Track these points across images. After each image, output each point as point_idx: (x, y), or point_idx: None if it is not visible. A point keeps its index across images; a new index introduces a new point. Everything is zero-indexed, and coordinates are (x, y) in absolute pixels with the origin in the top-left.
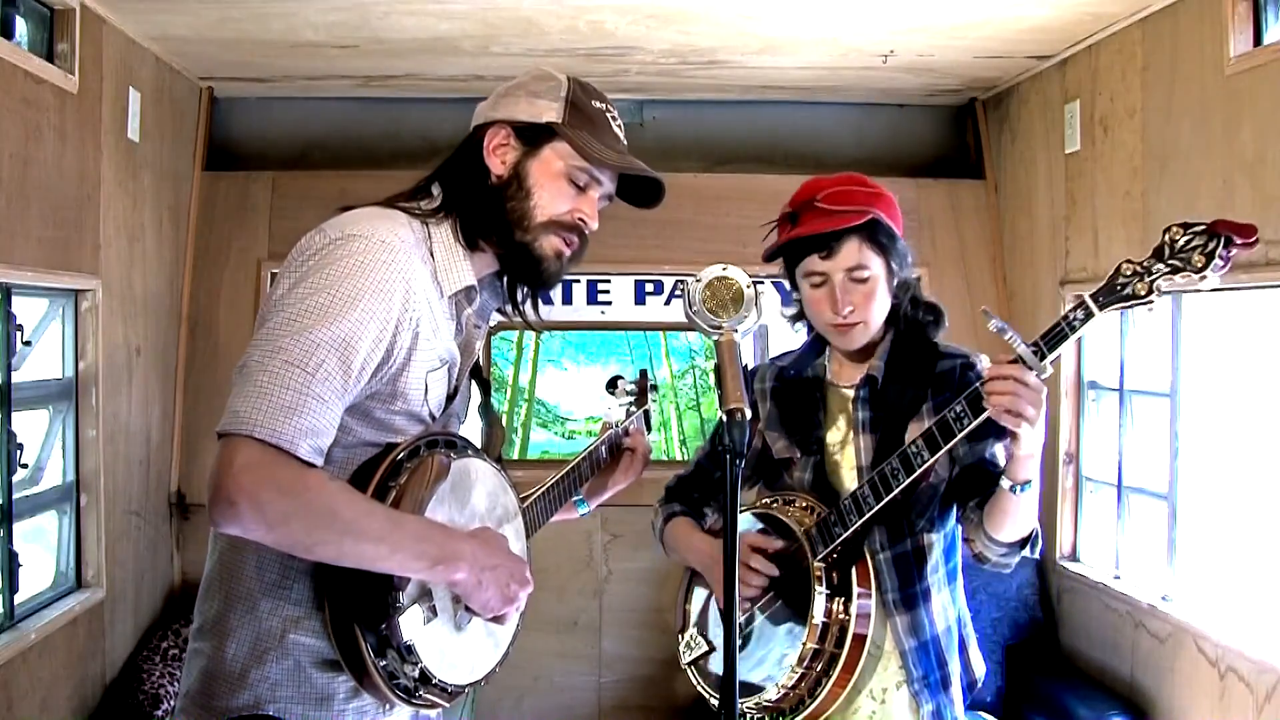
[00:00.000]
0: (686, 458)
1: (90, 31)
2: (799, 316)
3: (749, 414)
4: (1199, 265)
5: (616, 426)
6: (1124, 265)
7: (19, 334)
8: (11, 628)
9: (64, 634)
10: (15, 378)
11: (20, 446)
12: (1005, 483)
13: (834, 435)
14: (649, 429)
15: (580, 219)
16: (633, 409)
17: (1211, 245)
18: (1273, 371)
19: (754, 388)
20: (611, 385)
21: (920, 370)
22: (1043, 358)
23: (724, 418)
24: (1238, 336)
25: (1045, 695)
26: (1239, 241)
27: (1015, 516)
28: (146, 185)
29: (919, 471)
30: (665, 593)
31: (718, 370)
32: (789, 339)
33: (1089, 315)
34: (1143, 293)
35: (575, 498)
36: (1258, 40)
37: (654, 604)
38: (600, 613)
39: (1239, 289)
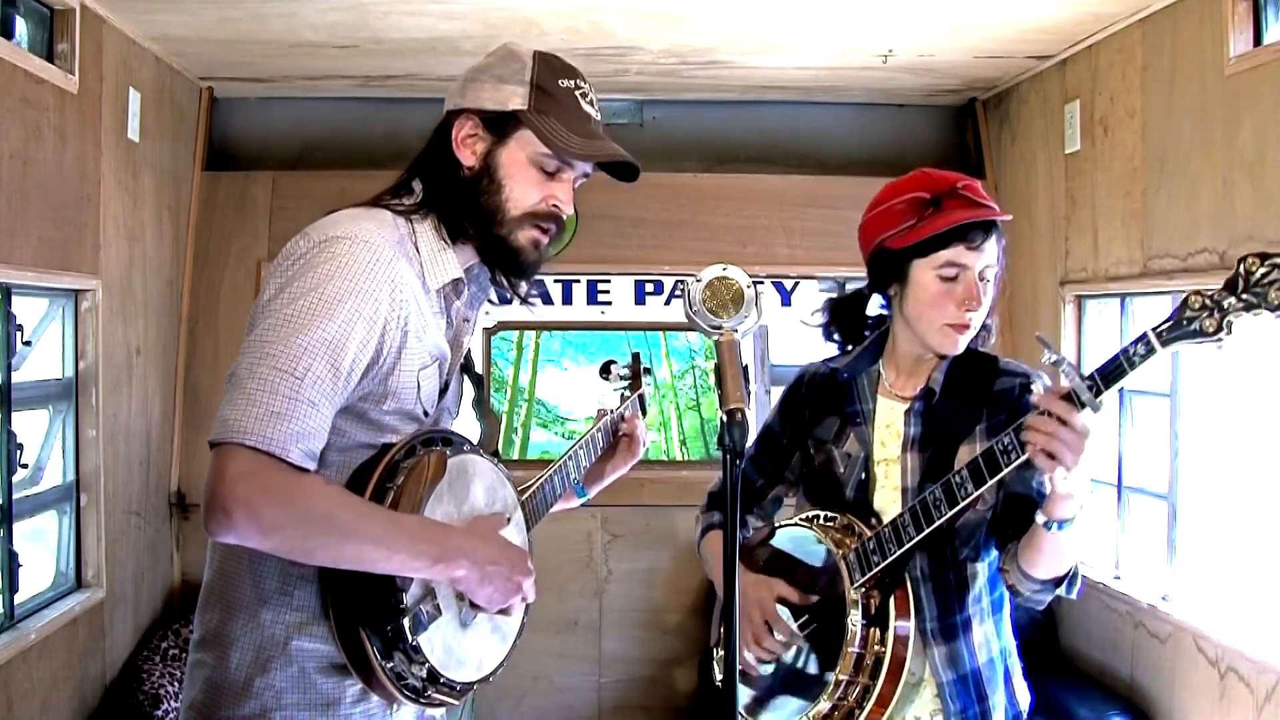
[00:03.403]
0: (687, 457)
1: (90, 31)
2: (843, 321)
3: (750, 413)
4: (1276, 303)
5: (611, 413)
6: (1192, 298)
7: (19, 334)
8: (11, 628)
9: (64, 634)
10: (15, 378)
11: (20, 446)
12: (1040, 518)
13: (881, 451)
14: (644, 413)
15: (554, 206)
16: (627, 394)
17: None
18: (1273, 372)
19: (802, 390)
20: (605, 370)
21: (978, 388)
22: (1098, 394)
23: (724, 418)
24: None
25: (1045, 695)
26: None
27: (1051, 554)
28: (146, 185)
29: (962, 505)
30: (665, 593)
31: (718, 370)
32: (789, 339)
33: (1150, 351)
34: (1211, 329)
35: (574, 481)
36: (1258, 40)
37: (654, 604)
38: (600, 613)
39: None
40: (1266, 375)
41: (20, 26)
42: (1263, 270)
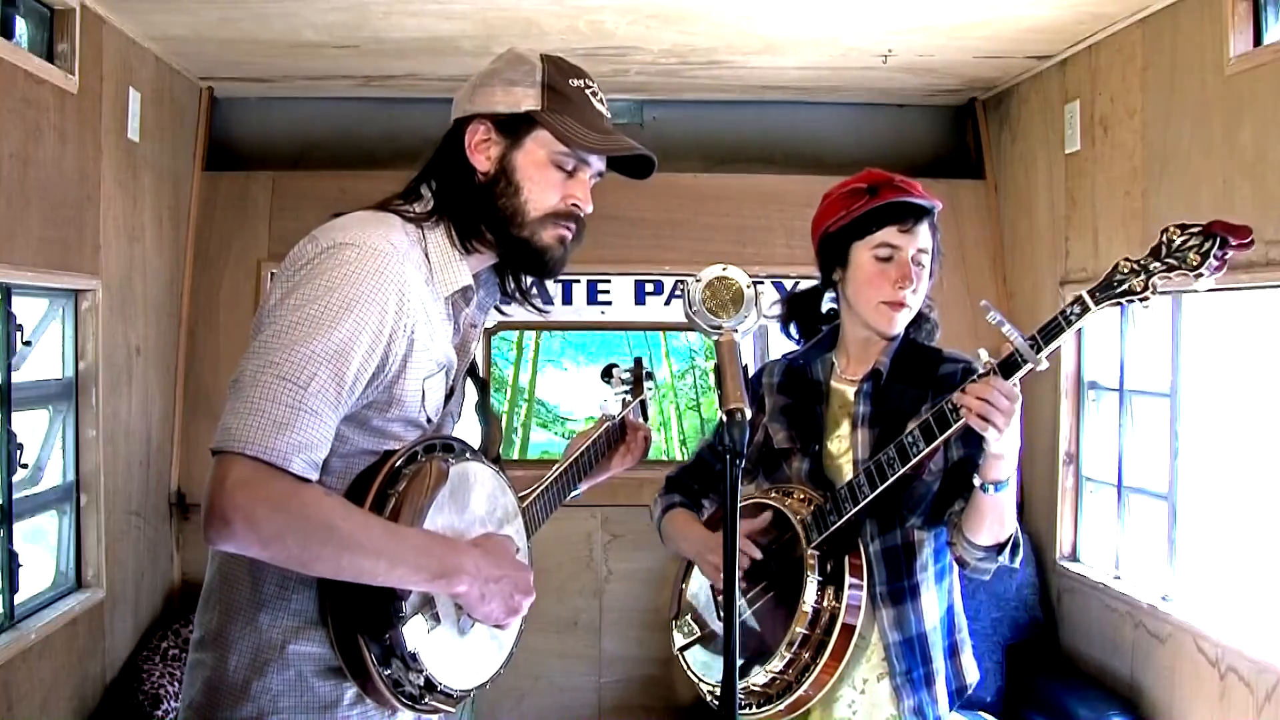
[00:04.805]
0: (686, 457)
1: (90, 31)
2: (799, 315)
3: (749, 414)
4: (1194, 264)
5: (613, 420)
6: (1122, 263)
7: (19, 334)
8: (11, 628)
9: (64, 634)
10: (15, 378)
11: (20, 446)
12: (977, 480)
13: (834, 429)
14: (645, 419)
15: (574, 205)
16: (628, 399)
17: (1207, 245)
18: (1273, 371)
19: (762, 381)
20: (606, 374)
21: (923, 373)
22: (1038, 350)
23: (724, 418)
24: (1238, 336)
25: (1045, 695)
26: (1234, 242)
27: (989, 517)
28: (146, 185)
29: (915, 460)
30: (665, 593)
31: (718, 370)
32: (788, 339)
33: (1085, 310)
34: (1139, 289)
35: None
36: (1258, 40)
37: (654, 604)
38: (600, 613)
39: (1238, 289)
40: (1266, 375)
41: (20, 26)
42: (1182, 238)
